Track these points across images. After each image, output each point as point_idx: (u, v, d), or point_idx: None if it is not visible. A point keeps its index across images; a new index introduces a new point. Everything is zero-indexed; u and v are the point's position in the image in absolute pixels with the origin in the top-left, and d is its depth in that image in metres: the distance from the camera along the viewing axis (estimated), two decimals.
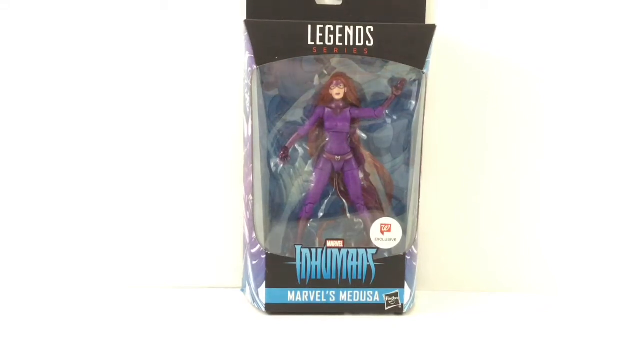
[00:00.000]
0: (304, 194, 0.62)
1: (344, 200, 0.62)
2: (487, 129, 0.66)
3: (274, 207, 0.61)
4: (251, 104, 0.60)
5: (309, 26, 0.57)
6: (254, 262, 0.61)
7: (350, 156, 0.61)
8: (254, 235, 0.60)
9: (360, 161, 0.62)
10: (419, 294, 0.64)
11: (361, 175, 0.62)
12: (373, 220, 0.61)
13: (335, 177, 0.62)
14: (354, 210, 0.62)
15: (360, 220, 0.62)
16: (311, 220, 0.62)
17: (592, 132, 0.66)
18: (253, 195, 0.60)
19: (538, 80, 0.66)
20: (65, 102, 0.64)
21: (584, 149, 0.67)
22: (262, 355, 0.54)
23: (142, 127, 0.64)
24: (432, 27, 0.59)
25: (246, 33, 0.58)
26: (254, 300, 0.61)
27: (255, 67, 0.58)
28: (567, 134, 0.66)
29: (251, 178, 0.60)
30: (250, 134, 0.60)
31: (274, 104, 0.60)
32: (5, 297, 0.64)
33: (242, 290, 0.65)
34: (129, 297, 0.64)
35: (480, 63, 0.65)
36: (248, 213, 0.62)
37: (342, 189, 0.62)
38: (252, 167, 0.60)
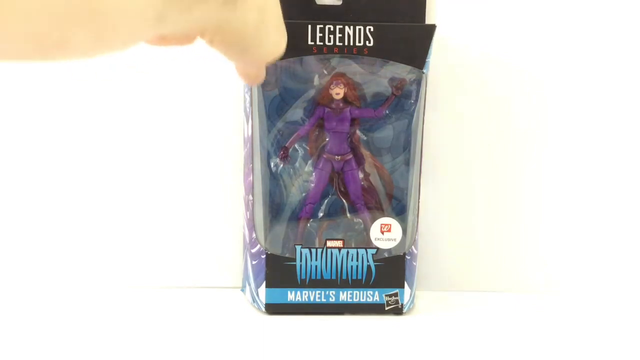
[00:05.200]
0: (304, 194, 0.62)
1: (344, 200, 0.62)
2: (487, 129, 0.66)
3: (274, 207, 0.61)
4: (251, 104, 0.60)
5: (309, 26, 0.57)
6: (254, 262, 0.61)
7: (350, 156, 0.61)
8: (254, 235, 0.60)
9: (360, 161, 0.62)
10: (418, 294, 0.64)
11: (361, 175, 0.62)
12: (373, 220, 0.61)
13: (335, 177, 0.62)
14: (353, 210, 0.62)
15: (360, 220, 0.62)
16: (311, 220, 0.62)
17: (593, 132, 0.66)
18: (253, 196, 0.60)
19: (538, 80, 0.65)
20: (65, 102, 0.64)
21: (585, 149, 0.67)
22: (262, 355, 0.54)
23: (142, 128, 0.64)
24: (432, 27, 0.58)
25: None
26: (254, 300, 0.61)
27: None
28: (568, 134, 0.66)
29: (251, 178, 0.60)
30: (250, 134, 0.60)
31: (274, 104, 0.60)
32: (5, 297, 0.64)
33: (242, 290, 0.65)
34: (129, 297, 0.64)
35: (481, 63, 0.65)
36: (248, 213, 0.61)
37: (342, 189, 0.62)
38: (252, 167, 0.60)
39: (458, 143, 0.66)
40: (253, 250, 0.61)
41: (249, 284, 0.62)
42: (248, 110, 0.60)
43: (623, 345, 0.57)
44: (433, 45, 0.58)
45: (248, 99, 0.60)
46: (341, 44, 0.58)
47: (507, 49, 0.65)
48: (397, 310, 0.61)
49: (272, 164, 0.61)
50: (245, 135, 0.61)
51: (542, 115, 0.66)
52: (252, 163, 0.60)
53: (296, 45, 0.57)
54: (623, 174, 0.67)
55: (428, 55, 0.58)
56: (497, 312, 0.63)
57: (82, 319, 0.60)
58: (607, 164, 0.67)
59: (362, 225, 0.62)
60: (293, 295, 0.60)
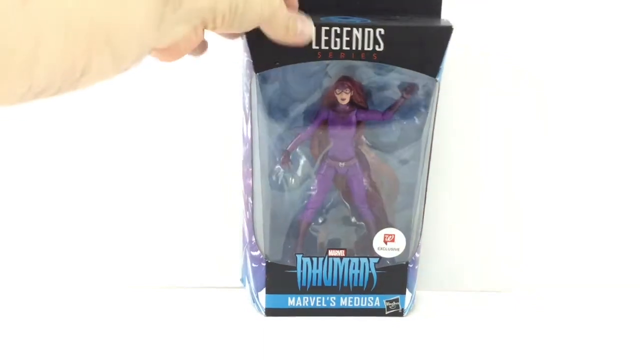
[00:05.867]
0: (305, 201, 0.59)
1: (348, 204, 0.60)
2: (488, 132, 0.63)
3: (275, 212, 0.59)
4: (250, 107, 0.56)
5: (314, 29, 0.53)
6: (254, 265, 0.60)
7: (354, 161, 0.58)
8: (253, 238, 0.59)
9: (365, 166, 0.59)
10: (419, 294, 0.63)
11: (366, 182, 0.59)
12: (376, 225, 0.59)
13: (339, 181, 0.59)
14: (357, 214, 0.60)
15: (363, 223, 0.60)
16: (312, 224, 0.60)
17: (602, 134, 0.63)
18: (252, 198, 0.59)
19: (544, 83, 0.62)
20: (64, 101, 0.59)
21: (593, 151, 0.64)
22: (262, 356, 0.55)
23: (141, 127, 0.62)
24: (449, 30, 0.53)
25: (244, 36, 0.53)
26: (253, 300, 0.61)
27: (254, 73, 0.54)
28: (575, 137, 0.64)
29: (251, 181, 0.58)
30: (249, 135, 0.57)
31: (274, 105, 0.57)
32: (5, 298, 0.63)
33: (242, 281, 0.65)
34: (129, 297, 0.63)
35: (487, 64, 0.61)
36: (248, 213, 0.60)
37: (346, 193, 0.60)
38: (252, 170, 0.58)
39: (459, 143, 0.63)
40: (253, 254, 0.60)
41: (249, 283, 0.61)
42: (247, 110, 0.57)
43: (625, 345, 0.57)
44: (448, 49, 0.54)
45: (247, 98, 0.56)
46: (348, 48, 0.53)
47: (515, 49, 0.61)
48: (397, 315, 0.61)
49: (274, 168, 0.59)
50: (244, 135, 0.59)
51: (548, 117, 0.63)
52: (252, 166, 0.58)
53: (299, 50, 0.53)
54: (629, 177, 0.65)
55: (443, 62, 0.54)
56: (497, 312, 0.63)
57: (82, 319, 0.60)
58: (611, 165, 0.65)
59: (365, 230, 0.60)
60: (294, 301, 0.60)
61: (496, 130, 0.64)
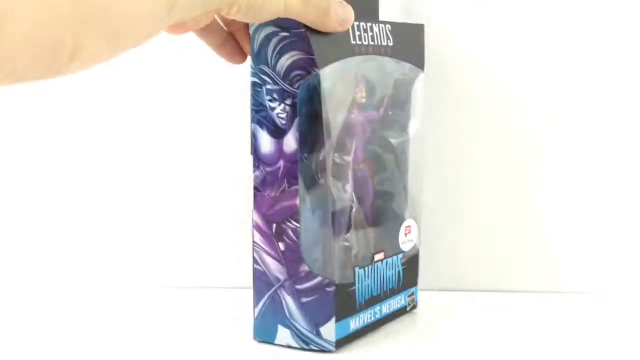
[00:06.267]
0: (341, 211, 0.54)
1: (361, 208, 0.57)
2: (487, 128, 0.65)
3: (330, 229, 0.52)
4: (294, 114, 0.50)
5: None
6: (305, 300, 0.51)
7: (364, 164, 0.57)
8: (304, 268, 0.51)
9: (370, 167, 0.58)
10: (419, 293, 0.62)
11: (373, 184, 0.58)
12: (376, 225, 0.59)
13: (355, 185, 0.57)
14: (366, 217, 0.58)
15: (371, 229, 0.58)
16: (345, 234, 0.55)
17: (592, 131, 0.65)
18: (300, 222, 0.51)
19: (539, 78, 0.65)
20: (70, 103, 0.60)
21: (586, 147, 0.66)
22: (263, 355, 0.52)
23: (150, 129, 0.61)
24: (421, 27, 0.59)
25: (301, 30, 0.47)
26: (306, 343, 0.52)
27: (315, 70, 0.48)
28: (566, 133, 0.66)
29: (296, 201, 0.50)
30: (287, 150, 0.50)
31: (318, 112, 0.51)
32: (5, 298, 0.62)
33: (260, 337, 0.53)
34: (130, 298, 0.62)
35: (479, 61, 0.65)
36: (282, 245, 0.51)
37: (358, 197, 0.57)
38: (302, 190, 0.51)
39: (458, 141, 0.65)
40: (301, 287, 0.51)
41: (293, 326, 0.52)
42: (282, 121, 0.50)
43: (623, 345, 0.55)
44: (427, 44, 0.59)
45: (281, 107, 0.50)
46: (373, 42, 0.54)
47: (505, 47, 0.64)
48: (413, 309, 0.61)
49: (319, 182, 0.52)
50: (263, 153, 0.51)
51: (544, 113, 0.65)
52: (303, 183, 0.50)
53: (342, 46, 0.51)
54: (623, 173, 0.66)
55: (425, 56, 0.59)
56: (497, 312, 0.62)
57: (84, 319, 0.58)
58: (608, 163, 0.66)
59: (372, 232, 0.58)
60: (355, 323, 0.54)
61: (497, 128, 0.65)
